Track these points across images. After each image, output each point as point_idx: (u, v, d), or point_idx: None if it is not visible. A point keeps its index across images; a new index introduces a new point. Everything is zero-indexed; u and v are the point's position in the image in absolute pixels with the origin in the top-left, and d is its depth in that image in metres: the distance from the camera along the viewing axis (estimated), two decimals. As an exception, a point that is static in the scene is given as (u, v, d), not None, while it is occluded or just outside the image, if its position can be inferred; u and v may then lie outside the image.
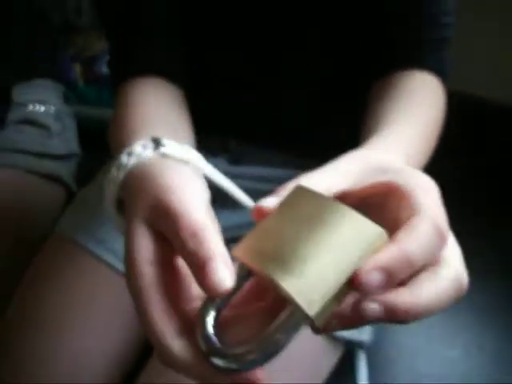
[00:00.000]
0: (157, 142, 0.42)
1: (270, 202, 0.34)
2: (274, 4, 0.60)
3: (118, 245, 0.65)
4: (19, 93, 0.87)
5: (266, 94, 0.66)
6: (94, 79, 1.12)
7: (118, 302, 0.64)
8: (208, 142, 0.66)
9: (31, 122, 0.90)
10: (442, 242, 0.31)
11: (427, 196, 0.33)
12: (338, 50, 0.62)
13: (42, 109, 0.93)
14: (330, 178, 0.36)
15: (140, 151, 0.41)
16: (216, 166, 0.50)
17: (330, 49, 0.62)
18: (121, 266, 0.65)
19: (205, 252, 0.31)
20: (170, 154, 0.41)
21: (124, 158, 0.41)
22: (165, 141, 0.41)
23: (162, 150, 0.41)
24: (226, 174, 0.52)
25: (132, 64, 0.60)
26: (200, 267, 0.31)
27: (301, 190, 0.33)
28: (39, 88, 0.94)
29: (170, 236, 0.33)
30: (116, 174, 0.41)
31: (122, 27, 0.62)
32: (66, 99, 1.02)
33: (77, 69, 1.14)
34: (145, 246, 0.34)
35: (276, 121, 0.68)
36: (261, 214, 0.34)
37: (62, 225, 0.70)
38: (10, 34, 0.82)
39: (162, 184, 0.36)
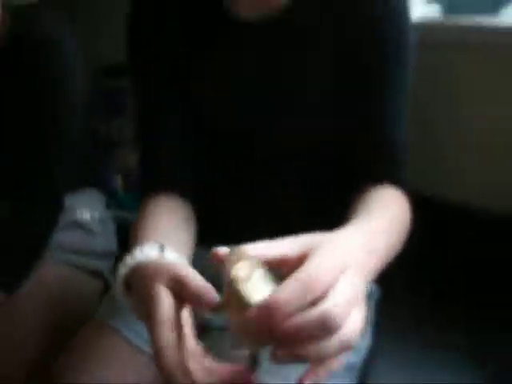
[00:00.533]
0: (161, 248, 0.58)
1: (223, 249, 0.48)
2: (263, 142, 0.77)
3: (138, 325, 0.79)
4: (70, 200, 1.03)
5: (260, 206, 0.81)
6: (132, 188, 1.31)
7: (143, 377, 0.77)
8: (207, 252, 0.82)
9: (80, 225, 1.07)
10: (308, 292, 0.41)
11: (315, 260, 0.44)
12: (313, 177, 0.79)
13: (89, 214, 1.10)
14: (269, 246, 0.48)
15: (147, 251, 0.57)
16: None
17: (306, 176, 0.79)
18: (146, 348, 0.78)
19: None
20: (168, 257, 0.57)
21: (137, 254, 0.56)
22: (167, 249, 0.58)
23: (165, 253, 0.57)
24: None
25: (153, 181, 0.79)
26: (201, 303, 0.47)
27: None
28: (86, 196, 1.12)
29: (184, 293, 0.49)
30: (127, 264, 0.56)
31: (148, 151, 0.81)
32: (108, 205, 1.20)
33: (118, 179, 1.33)
34: (168, 302, 0.48)
35: (270, 228, 0.82)
36: (216, 257, 0.48)
37: (99, 312, 0.84)
38: (64, 151, 1.00)
39: (173, 268, 0.52)
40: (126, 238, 1.16)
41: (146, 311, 0.50)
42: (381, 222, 0.62)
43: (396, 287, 0.85)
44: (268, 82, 0.76)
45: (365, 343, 0.82)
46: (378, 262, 0.55)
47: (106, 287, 1.07)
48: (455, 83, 1.07)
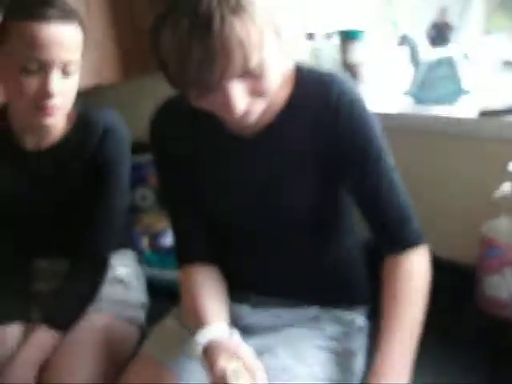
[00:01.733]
0: (231, 332, 0.89)
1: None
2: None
3: (182, 361, 0.97)
4: (112, 258, 1.23)
5: (266, 262, 1.01)
6: (157, 249, 1.52)
7: None
8: (235, 295, 1.03)
9: (119, 280, 1.27)
10: None
11: None
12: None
13: (125, 271, 1.30)
14: None
15: (217, 332, 0.88)
16: (242, 308, 0.94)
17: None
18: (182, 374, 0.96)
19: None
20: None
21: (207, 333, 0.88)
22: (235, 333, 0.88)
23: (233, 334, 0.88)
24: (250, 313, 0.92)
25: (187, 255, 1.02)
26: None
27: None
28: (123, 255, 1.33)
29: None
30: (202, 339, 0.88)
31: (178, 234, 1.05)
32: (139, 263, 1.41)
33: (145, 241, 1.54)
34: None
35: (280, 278, 1.01)
36: None
37: (145, 349, 1.03)
38: (118, 220, 1.22)
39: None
40: (154, 291, 1.35)
41: None
42: (407, 318, 0.87)
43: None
44: (259, 184, 0.94)
45: (358, 365, 1.01)
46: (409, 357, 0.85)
47: (142, 332, 1.25)
48: (424, 160, 1.31)
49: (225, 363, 0.82)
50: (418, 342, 0.87)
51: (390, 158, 0.92)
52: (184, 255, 1.03)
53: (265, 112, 0.86)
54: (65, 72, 1.02)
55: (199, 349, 0.88)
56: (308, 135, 0.91)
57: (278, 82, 0.83)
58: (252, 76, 0.77)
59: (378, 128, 0.91)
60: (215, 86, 0.75)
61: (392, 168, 0.92)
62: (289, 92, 0.92)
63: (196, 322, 0.91)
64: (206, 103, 0.81)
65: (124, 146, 1.19)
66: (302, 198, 0.94)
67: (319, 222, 0.98)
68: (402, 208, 0.92)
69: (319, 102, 0.89)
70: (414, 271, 0.91)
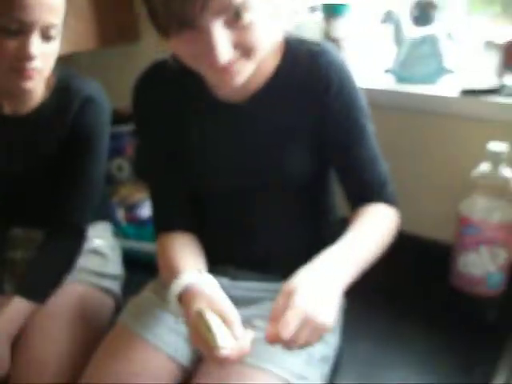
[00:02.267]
0: (200, 271, 0.87)
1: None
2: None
3: (160, 331, 0.98)
4: (89, 230, 1.23)
5: (247, 233, 1.02)
6: (133, 220, 1.50)
7: (158, 370, 0.95)
8: (214, 268, 1.02)
9: (96, 252, 1.27)
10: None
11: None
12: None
13: (101, 243, 1.30)
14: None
15: (190, 276, 0.84)
16: (221, 281, 0.92)
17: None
18: (161, 345, 0.97)
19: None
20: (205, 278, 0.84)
21: (182, 278, 0.85)
22: (203, 273, 0.86)
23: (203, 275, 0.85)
24: (228, 286, 0.92)
25: (165, 224, 1.02)
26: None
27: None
28: (100, 228, 1.32)
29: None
30: (176, 288, 0.86)
31: (157, 201, 1.05)
32: (115, 235, 1.40)
33: (121, 212, 1.52)
34: None
35: (258, 250, 1.02)
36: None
37: (122, 320, 1.02)
38: (95, 190, 1.20)
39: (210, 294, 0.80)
40: (130, 263, 1.35)
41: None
42: (359, 235, 0.87)
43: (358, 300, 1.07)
44: (246, 150, 0.94)
45: (335, 339, 1.03)
46: (355, 267, 0.83)
47: (117, 304, 1.26)
48: (403, 138, 1.32)
49: (201, 306, 0.81)
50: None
51: (372, 127, 0.95)
52: (161, 224, 1.03)
53: (253, 78, 0.85)
54: (46, 36, 0.99)
55: (174, 299, 0.87)
56: (295, 104, 0.91)
57: (265, 43, 0.81)
58: (238, 26, 0.75)
59: (363, 98, 0.94)
60: (197, 18, 0.72)
61: (374, 136, 0.96)
62: (277, 61, 0.91)
63: (171, 276, 0.90)
64: (189, 51, 0.78)
65: (104, 116, 1.17)
66: (290, 166, 0.94)
67: (303, 191, 0.99)
68: (382, 172, 0.96)
69: (308, 71, 0.89)
70: (384, 213, 0.94)
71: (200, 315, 0.78)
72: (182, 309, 0.86)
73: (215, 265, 1.01)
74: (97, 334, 1.11)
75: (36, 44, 0.98)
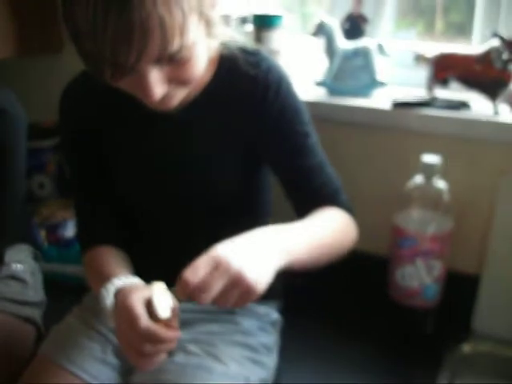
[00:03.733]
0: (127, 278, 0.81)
1: None
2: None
3: (85, 363, 0.91)
4: (6, 255, 1.13)
5: (177, 251, 0.93)
6: (55, 241, 1.40)
7: None
8: None
9: (14, 277, 1.16)
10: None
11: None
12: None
13: (21, 267, 1.20)
14: None
15: (118, 282, 0.78)
16: None
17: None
18: (87, 378, 0.89)
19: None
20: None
21: (111, 285, 0.79)
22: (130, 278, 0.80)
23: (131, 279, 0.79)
24: None
25: (90, 239, 0.95)
26: None
27: None
28: (19, 251, 1.22)
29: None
30: (108, 293, 0.79)
31: (82, 216, 0.98)
32: (36, 258, 1.30)
33: (42, 233, 1.42)
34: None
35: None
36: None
37: (44, 350, 0.94)
38: (12, 211, 1.10)
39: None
40: (52, 287, 1.27)
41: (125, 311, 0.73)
42: (309, 221, 0.81)
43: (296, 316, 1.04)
44: (175, 161, 0.90)
45: (272, 360, 0.98)
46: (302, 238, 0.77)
47: (39, 332, 1.16)
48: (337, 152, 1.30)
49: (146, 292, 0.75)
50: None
51: (315, 133, 0.91)
52: (86, 240, 0.96)
53: (186, 94, 0.80)
54: None
55: (109, 300, 0.79)
56: (233, 112, 0.88)
57: (202, 68, 0.78)
58: (174, 62, 0.71)
59: (303, 104, 0.90)
60: (131, 68, 0.68)
61: (318, 142, 0.91)
62: (212, 71, 0.88)
63: (102, 282, 0.83)
64: (122, 84, 0.74)
65: (19, 128, 1.08)
66: (223, 177, 0.91)
67: (235, 206, 0.94)
68: (333, 178, 0.91)
69: (245, 79, 0.86)
70: (340, 213, 0.88)
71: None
72: (118, 303, 0.78)
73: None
74: (17, 367, 1.00)
75: None
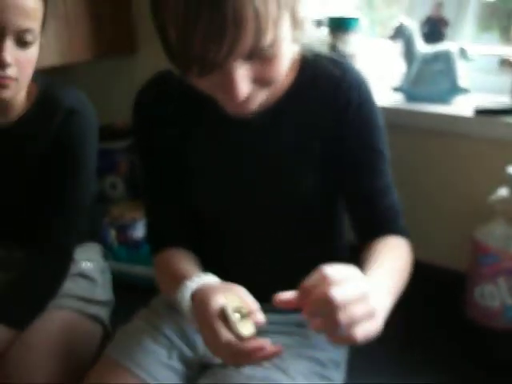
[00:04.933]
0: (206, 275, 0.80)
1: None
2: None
3: (150, 367, 0.90)
4: (76, 252, 1.13)
5: (250, 262, 0.93)
6: (125, 241, 1.42)
7: None
8: None
9: (83, 275, 1.18)
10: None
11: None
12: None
13: (90, 265, 1.21)
14: None
15: (191, 285, 0.78)
16: None
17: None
18: (151, 382, 0.88)
19: None
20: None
21: (185, 289, 0.77)
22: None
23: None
24: None
25: (161, 241, 0.94)
26: None
27: None
28: (88, 249, 1.23)
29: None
30: (183, 298, 0.77)
31: (154, 219, 0.97)
32: (105, 257, 1.31)
33: (112, 233, 1.44)
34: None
35: (260, 281, 0.93)
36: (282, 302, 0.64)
37: (110, 351, 0.94)
38: (82, 210, 1.11)
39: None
40: (120, 287, 1.28)
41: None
42: (392, 262, 0.78)
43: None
44: (255, 173, 0.87)
45: (341, 377, 0.94)
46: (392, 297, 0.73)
47: (105, 331, 1.17)
48: (415, 161, 1.25)
49: (222, 299, 0.73)
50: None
51: (389, 153, 0.88)
52: (157, 242, 0.95)
53: (266, 97, 0.77)
54: (21, 41, 0.92)
55: (187, 303, 0.77)
56: (312, 124, 0.85)
57: (286, 69, 0.75)
58: (261, 61, 0.69)
59: (383, 122, 0.87)
60: (221, 64, 0.66)
61: (390, 163, 0.88)
62: (293, 77, 0.84)
63: (177, 284, 0.81)
64: (204, 84, 0.72)
65: (89, 128, 1.09)
66: (301, 192, 0.87)
67: (315, 220, 0.92)
68: (395, 202, 0.88)
69: (327, 89, 0.83)
70: (402, 246, 0.85)
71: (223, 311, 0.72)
72: (197, 310, 0.76)
73: None
74: (82, 366, 1.02)
75: (9, 50, 0.91)
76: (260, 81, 0.71)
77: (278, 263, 0.94)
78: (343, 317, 0.59)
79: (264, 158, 0.87)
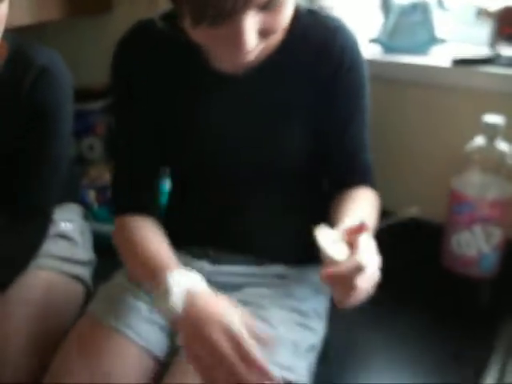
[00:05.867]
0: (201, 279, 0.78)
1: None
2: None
3: (132, 322, 0.90)
4: (56, 213, 1.12)
5: (231, 213, 0.94)
6: (105, 202, 1.41)
7: (131, 363, 0.87)
8: (192, 250, 0.96)
9: (63, 236, 1.17)
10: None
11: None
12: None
13: (70, 226, 1.21)
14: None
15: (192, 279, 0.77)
16: (201, 266, 0.82)
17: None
18: (134, 337, 0.88)
19: None
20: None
21: (180, 280, 0.75)
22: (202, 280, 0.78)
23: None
24: (210, 272, 0.83)
25: (126, 204, 0.93)
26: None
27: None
28: (68, 210, 1.23)
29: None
30: (175, 294, 0.74)
31: (120, 177, 0.95)
32: (85, 217, 1.30)
33: (91, 194, 1.42)
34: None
35: (241, 232, 0.94)
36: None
37: (92, 309, 0.94)
38: (58, 169, 1.09)
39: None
40: (101, 247, 1.27)
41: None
42: (369, 208, 0.85)
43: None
44: (243, 127, 0.86)
45: (323, 327, 0.96)
46: None
47: (88, 291, 1.17)
48: (391, 112, 1.24)
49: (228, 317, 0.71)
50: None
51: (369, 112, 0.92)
52: (123, 203, 0.94)
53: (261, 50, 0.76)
54: None
55: (177, 302, 0.74)
56: (302, 78, 0.85)
57: (288, 21, 0.74)
58: (271, 11, 0.68)
59: (368, 84, 0.90)
60: (237, 12, 0.64)
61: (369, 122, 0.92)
62: (286, 30, 0.83)
63: (150, 270, 0.80)
64: (207, 35, 0.69)
65: (63, 87, 1.06)
66: (289, 145, 0.88)
67: (299, 174, 0.93)
68: (369, 157, 0.93)
69: (320, 47, 0.84)
70: (373, 197, 0.91)
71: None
72: (188, 317, 0.74)
73: (191, 245, 0.94)
74: (64, 325, 1.02)
75: None
76: (264, 32, 0.70)
77: (261, 216, 0.94)
78: (364, 285, 0.67)
79: (253, 111, 0.86)
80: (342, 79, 0.86)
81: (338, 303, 0.69)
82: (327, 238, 0.70)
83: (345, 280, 0.66)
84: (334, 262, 0.68)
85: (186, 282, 0.76)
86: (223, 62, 0.77)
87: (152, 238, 0.88)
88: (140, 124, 0.91)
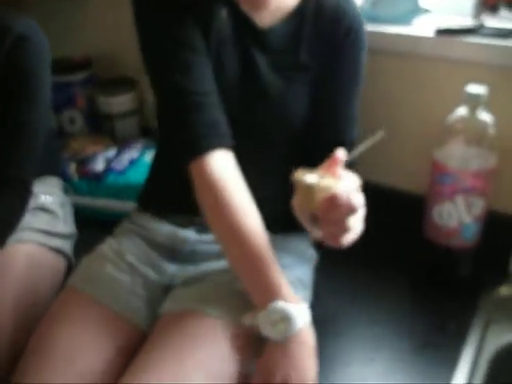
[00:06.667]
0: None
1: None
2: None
3: (113, 294, 0.90)
4: (35, 186, 1.11)
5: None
6: (86, 175, 1.39)
7: (111, 331, 0.87)
8: (177, 219, 0.95)
9: (44, 209, 1.16)
10: None
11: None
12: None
13: (50, 199, 1.19)
14: None
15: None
16: (187, 235, 0.81)
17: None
18: (115, 306, 0.88)
19: None
20: None
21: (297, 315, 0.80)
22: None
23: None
24: (195, 242, 0.82)
25: (208, 138, 0.83)
26: None
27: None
28: (48, 183, 1.21)
29: None
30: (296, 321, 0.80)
31: (193, 109, 0.85)
32: (66, 191, 1.29)
33: (72, 167, 1.40)
34: None
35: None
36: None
37: (73, 281, 0.94)
38: (36, 141, 1.08)
39: None
40: (82, 220, 1.26)
41: None
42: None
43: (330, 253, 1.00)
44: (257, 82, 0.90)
45: (308, 296, 0.97)
46: None
47: (69, 265, 1.16)
48: (374, 83, 1.23)
49: None
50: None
51: None
52: (203, 139, 0.84)
53: (274, 10, 0.87)
54: None
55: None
56: (314, 45, 0.91)
57: None
58: None
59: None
60: None
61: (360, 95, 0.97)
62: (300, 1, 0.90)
63: (259, 275, 0.83)
64: None
65: (41, 55, 1.04)
66: (296, 110, 0.93)
67: (292, 142, 0.96)
68: (355, 132, 0.97)
69: (331, 13, 0.90)
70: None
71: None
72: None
73: (177, 214, 0.94)
74: (47, 297, 1.03)
75: None
76: None
77: (247, 182, 0.93)
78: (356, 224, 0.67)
79: (259, 69, 0.89)
80: (348, 47, 0.91)
81: (329, 242, 0.69)
82: (307, 177, 0.69)
83: (338, 219, 0.66)
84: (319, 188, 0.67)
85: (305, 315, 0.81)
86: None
87: (249, 215, 0.85)
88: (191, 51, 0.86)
